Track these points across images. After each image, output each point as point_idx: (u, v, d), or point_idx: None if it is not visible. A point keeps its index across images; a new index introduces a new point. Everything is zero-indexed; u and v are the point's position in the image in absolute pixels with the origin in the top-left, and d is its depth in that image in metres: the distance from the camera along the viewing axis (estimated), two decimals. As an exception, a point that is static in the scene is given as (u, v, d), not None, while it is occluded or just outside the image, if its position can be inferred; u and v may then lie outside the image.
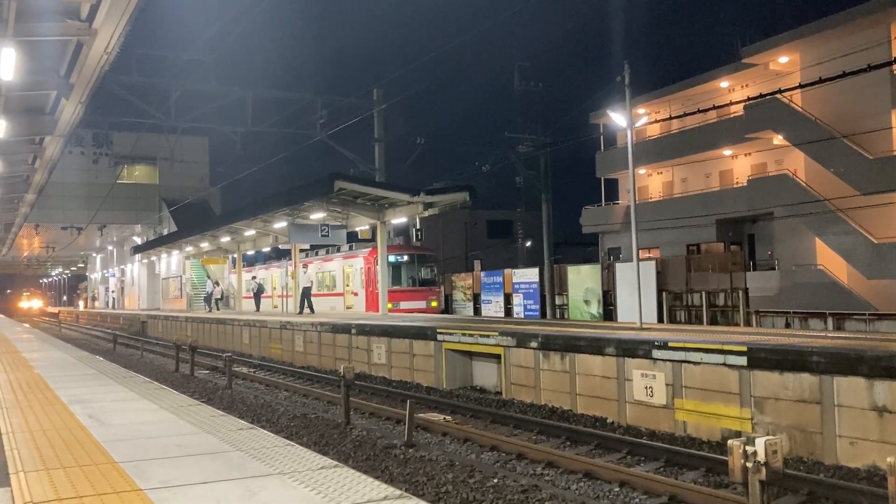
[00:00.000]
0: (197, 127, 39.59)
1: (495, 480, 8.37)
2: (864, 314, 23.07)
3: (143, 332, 40.41)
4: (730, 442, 5.77)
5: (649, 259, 28.82)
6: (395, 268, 29.80)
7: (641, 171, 36.75)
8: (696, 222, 32.32)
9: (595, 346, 12.60)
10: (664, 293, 25.13)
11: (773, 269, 28.99)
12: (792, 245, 28.75)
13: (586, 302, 26.78)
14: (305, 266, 30.33)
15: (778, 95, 23.41)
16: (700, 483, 8.47)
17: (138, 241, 54.96)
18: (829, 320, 23.12)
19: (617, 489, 8.31)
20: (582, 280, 27.15)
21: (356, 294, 31.59)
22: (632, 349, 11.88)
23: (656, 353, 11.40)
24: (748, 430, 9.93)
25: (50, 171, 23.09)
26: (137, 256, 53.02)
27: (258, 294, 36.54)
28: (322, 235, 25.90)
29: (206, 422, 7.05)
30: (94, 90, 14.36)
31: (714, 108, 21.38)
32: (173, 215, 46.99)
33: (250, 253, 39.45)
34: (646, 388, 11.50)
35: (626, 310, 23.69)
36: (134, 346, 31.51)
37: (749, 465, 5.61)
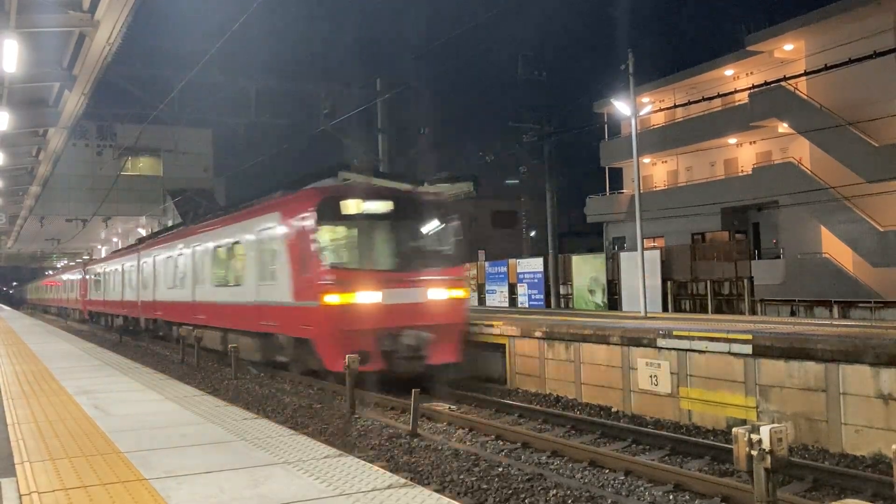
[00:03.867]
0: (201, 118, 39.56)
1: (500, 469, 8.37)
2: (870, 302, 23.00)
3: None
4: (735, 430, 5.75)
5: (654, 248, 28.78)
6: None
7: (646, 160, 36.61)
8: (701, 211, 32.21)
9: (600, 336, 12.60)
10: (669, 282, 25.10)
11: (779, 257, 28.92)
12: (797, 233, 28.64)
13: (591, 291, 26.76)
14: None
15: (783, 83, 23.28)
16: (705, 471, 8.47)
17: (143, 232, 55.10)
18: (835, 308, 23.06)
19: (622, 477, 8.31)
20: (586, 269, 27.13)
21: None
22: (636, 338, 11.88)
23: (661, 342, 11.39)
24: (753, 418, 9.93)
25: (54, 164, 23.12)
26: (142, 248, 53.16)
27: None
28: (326, 226, 25.85)
29: (211, 412, 7.06)
30: (97, 82, 14.36)
31: (719, 96, 21.28)
32: (177, 207, 47.04)
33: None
34: (650, 376, 11.50)
35: (631, 299, 23.68)
36: (140, 336, 31.57)
37: (754, 453, 5.59)
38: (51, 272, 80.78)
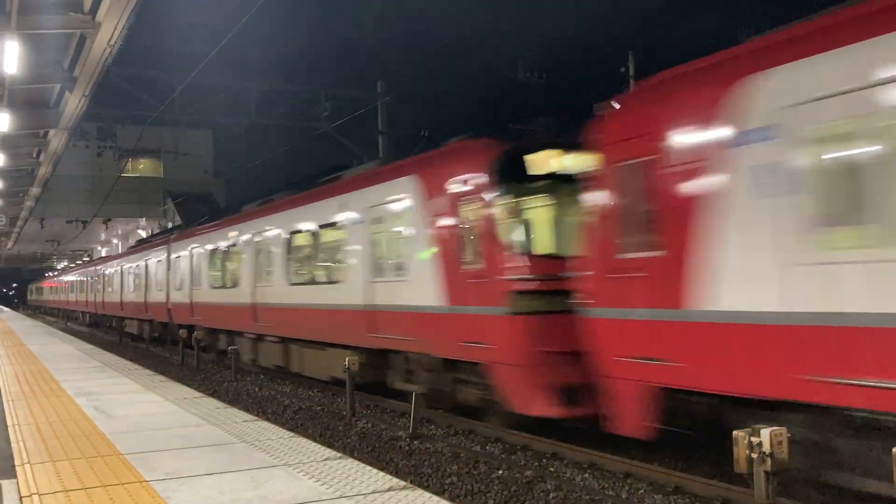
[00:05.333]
0: (201, 120, 39.58)
1: (500, 472, 8.37)
2: None
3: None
4: (735, 433, 5.71)
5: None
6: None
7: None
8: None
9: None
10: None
11: None
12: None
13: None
14: None
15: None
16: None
17: (143, 234, 55.13)
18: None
19: (623, 480, 8.29)
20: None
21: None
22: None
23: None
24: None
25: (54, 165, 23.15)
26: (142, 249, 53.14)
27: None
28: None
29: (211, 414, 7.07)
30: (98, 83, 14.39)
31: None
32: (178, 208, 47.09)
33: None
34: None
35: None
36: (139, 338, 31.60)
37: (754, 455, 5.57)
38: (101, 252, 55.91)
